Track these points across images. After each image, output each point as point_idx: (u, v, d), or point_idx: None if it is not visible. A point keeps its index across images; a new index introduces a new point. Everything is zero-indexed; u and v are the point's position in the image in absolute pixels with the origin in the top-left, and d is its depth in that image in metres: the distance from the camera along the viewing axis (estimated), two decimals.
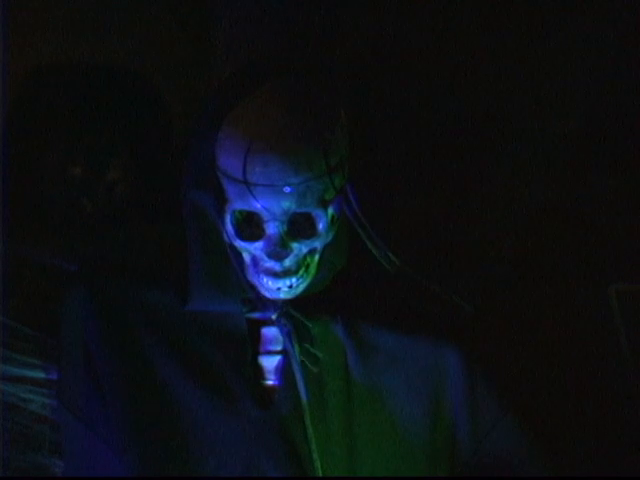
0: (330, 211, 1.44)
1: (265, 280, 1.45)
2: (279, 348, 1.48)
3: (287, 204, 1.41)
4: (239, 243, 1.45)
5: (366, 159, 1.71)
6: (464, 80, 1.89)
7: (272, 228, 1.42)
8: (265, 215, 1.42)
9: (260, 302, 1.49)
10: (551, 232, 1.91)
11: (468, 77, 1.90)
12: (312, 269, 1.47)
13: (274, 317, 1.48)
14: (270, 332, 1.49)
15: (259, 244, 1.43)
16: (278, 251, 1.42)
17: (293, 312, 1.48)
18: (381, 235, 1.56)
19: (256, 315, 1.49)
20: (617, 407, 1.81)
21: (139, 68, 1.78)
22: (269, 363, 1.48)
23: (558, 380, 1.82)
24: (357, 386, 1.48)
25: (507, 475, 1.52)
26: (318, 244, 1.46)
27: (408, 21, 1.87)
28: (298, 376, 1.45)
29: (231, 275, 1.48)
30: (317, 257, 1.47)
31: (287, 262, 1.43)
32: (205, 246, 1.49)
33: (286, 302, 1.48)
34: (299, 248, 1.44)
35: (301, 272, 1.45)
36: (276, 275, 1.44)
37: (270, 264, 1.43)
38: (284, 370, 1.47)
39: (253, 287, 1.48)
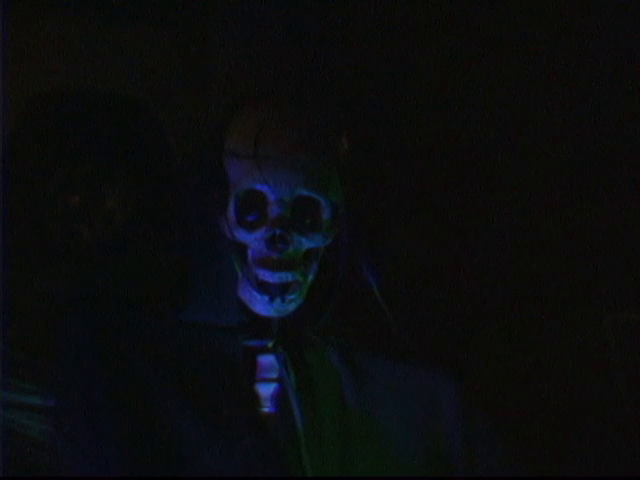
0: (334, 208, 1.45)
1: (261, 274, 1.43)
2: (275, 376, 1.48)
3: (295, 182, 1.41)
4: (240, 234, 1.44)
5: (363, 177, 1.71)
6: (459, 104, 1.91)
7: (276, 211, 1.42)
8: (270, 195, 1.42)
9: (257, 328, 1.49)
10: (547, 259, 1.92)
11: (465, 102, 1.91)
12: (308, 279, 1.46)
13: (270, 345, 1.49)
14: (266, 360, 1.49)
15: (260, 232, 1.43)
16: (279, 235, 1.40)
17: (289, 340, 1.49)
18: (374, 259, 1.57)
19: (253, 343, 1.49)
20: (611, 434, 1.81)
21: (137, 93, 1.79)
22: (265, 391, 1.48)
23: (553, 405, 1.82)
24: (352, 414, 1.48)
25: None
26: (318, 241, 1.46)
27: (408, 28, 1.89)
28: (294, 404, 1.46)
29: (231, 291, 1.48)
30: (314, 266, 1.47)
31: (286, 252, 1.42)
32: (207, 262, 1.50)
33: (282, 329, 1.49)
34: (299, 241, 1.44)
35: (298, 272, 1.45)
36: (273, 266, 1.43)
37: (268, 254, 1.43)
38: (280, 398, 1.47)
39: (248, 310, 1.48)
